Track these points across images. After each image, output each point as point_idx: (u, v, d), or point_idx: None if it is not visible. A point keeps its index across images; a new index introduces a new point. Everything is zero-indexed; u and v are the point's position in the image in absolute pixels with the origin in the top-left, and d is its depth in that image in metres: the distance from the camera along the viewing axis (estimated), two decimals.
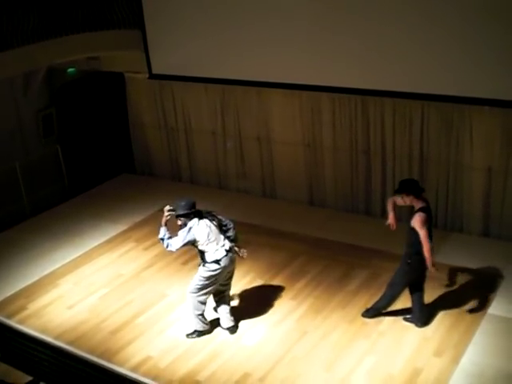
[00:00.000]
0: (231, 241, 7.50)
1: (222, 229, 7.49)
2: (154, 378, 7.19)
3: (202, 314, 7.70)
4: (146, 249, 9.99)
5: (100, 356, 7.64)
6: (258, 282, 8.80)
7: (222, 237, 7.42)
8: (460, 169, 9.42)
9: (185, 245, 7.30)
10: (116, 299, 8.76)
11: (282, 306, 8.26)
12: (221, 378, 7.09)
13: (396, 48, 8.86)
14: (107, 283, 9.15)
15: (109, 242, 10.32)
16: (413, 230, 7.10)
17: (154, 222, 10.81)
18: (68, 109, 12.92)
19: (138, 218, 11.00)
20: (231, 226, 7.57)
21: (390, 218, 7.51)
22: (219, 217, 7.53)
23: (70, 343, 7.91)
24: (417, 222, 7.05)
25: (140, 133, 12.81)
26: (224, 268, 7.38)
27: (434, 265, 7.11)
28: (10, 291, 9.11)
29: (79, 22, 10.81)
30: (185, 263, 9.40)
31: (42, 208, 11.71)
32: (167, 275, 9.23)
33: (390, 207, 7.52)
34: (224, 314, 7.80)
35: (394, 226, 7.50)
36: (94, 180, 12.66)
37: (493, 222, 9.42)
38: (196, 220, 7.29)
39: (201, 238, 7.27)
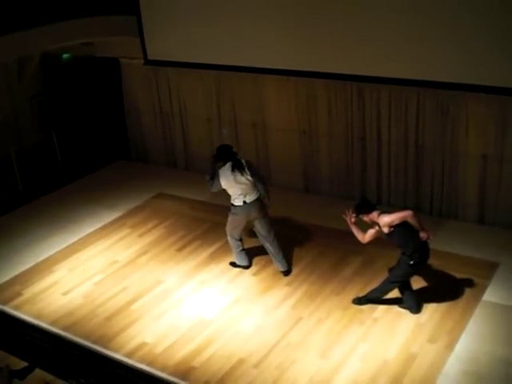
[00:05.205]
0: (259, 194, 8.17)
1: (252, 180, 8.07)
2: (150, 364, 7.21)
3: (241, 251, 8.66)
4: (140, 235, 9.98)
5: (95, 342, 7.66)
6: (253, 268, 8.81)
7: (245, 187, 8.01)
8: (455, 156, 9.41)
9: (219, 186, 8.10)
10: (111, 285, 8.77)
11: (276, 292, 8.29)
12: (216, 364, 7.12)
13: (392, 34, 8.82)
14: (102, 269, 9.16)
15: (104, 228, 10.31)
16: (391, 232, 7.16)
17: (148, 208, 10.86)
18: (63, 95, 12.86)
19: (133, 205, 10.99)
20: (257, 180, 8.12)
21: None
22: (248, 169, 8.05)
23: (66, 329, 7.93)
24: (386, 221, 7.13)
25: (135, 119, 12.77)
26: (241, 216, 8.21)
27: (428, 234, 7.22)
28: (5, 277, 9.11)
29: (74, 7, 10.72)
30: (179, 250, 9.42)
31: (36, 194, 11.68)
32: (162, 262, 9.23)
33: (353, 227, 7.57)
34: (275, 260, 8.56)
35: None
36: (89, 166, 12.64)
37: (488, 209, 9.43)
38: (225, 164, 8.04)
39: (223, 182, 8.01)
